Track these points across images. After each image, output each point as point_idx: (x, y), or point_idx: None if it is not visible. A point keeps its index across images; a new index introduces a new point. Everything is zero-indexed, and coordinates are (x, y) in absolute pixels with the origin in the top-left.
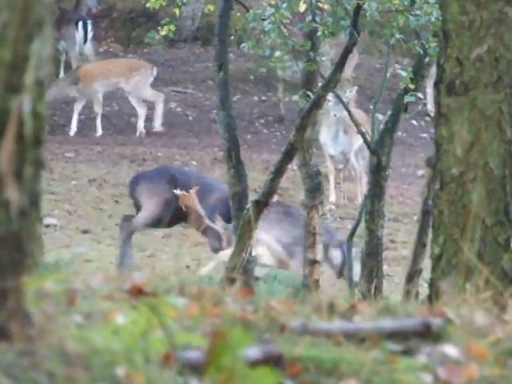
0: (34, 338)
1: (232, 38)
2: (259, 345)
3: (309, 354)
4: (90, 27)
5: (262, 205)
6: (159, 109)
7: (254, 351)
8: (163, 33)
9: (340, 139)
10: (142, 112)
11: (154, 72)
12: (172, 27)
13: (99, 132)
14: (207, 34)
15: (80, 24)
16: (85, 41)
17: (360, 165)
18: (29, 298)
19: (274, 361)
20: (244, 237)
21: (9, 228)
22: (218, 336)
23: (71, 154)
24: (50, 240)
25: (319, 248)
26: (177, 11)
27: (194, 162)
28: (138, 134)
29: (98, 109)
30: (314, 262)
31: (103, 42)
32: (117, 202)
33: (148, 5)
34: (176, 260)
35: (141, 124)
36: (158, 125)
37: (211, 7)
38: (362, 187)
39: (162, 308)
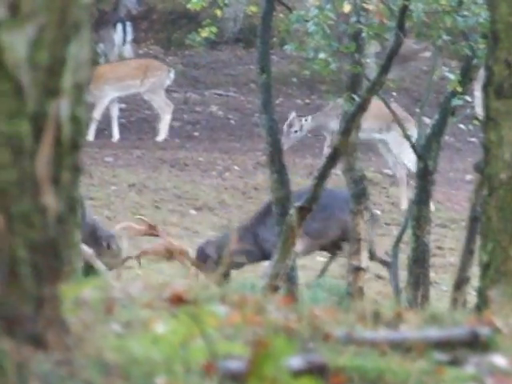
0: (71, 347)
1: (275, 39)
2: (303, 354)
3: (353, 363)
4: (129, 29)
5: (305, 210)
6: (166, 119)
7: (297, 361)
8: (204, 35)
9: None
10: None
11: (172, 75)
12: (213, 29)
13: (116, 137)
14: (249, 36)
15: (119, 26)
16: (124, 43)
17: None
18: (66, 306)
19: (317, 371)
20: (287, 243)
21: (46, 234)
22: (260, 345)
23: (110, 158)
24: None
25: (364, 255)
26: (218, 12)
27: (236, 167)
28: (160, 138)
29: (98, 115)
30: (358, 269)
31: (143, 44)
32: (157, 207)
33: (189, 6)
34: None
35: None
36: (161, 137)
37: (253, 8)
38: (405, 192)
39: (203, 317)
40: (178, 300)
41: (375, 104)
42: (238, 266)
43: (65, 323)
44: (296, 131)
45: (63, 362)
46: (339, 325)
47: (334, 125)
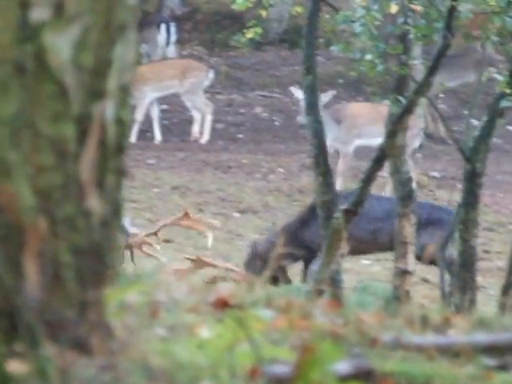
0: (115, 352)
1: (321, 40)
2: (349, 359)
3: (401, 368)
4: (173, 30)
5: (351, 213)
6: (208, 120)
7: (343, 366)
8: (249, 35)
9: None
10: (197, 116)
11: (211, 75)
12: (258, 30)
13: (158, 139)
14: (294, 37)
15: (163, 27)
16: (168, 44)
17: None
18: (110, 311)
19: (364, 376)
20: (333, 247)
21: (90, 238)
22: (306, 350)
23: (153, 160)
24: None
25: (411, 258)
26: (263, 13)
27: (281, 169)
28: (192, 139)
29: (139, 116)
30: (404, 273)
31: (187, 45)
32: (200, 210)
33: (234, 6)
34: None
35: (196, 129)
36: (204, 139)
37: (299, 9)
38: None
39: (248, 321)
40: (223, 304)
41: (372, 107)
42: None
43: (109, 328)
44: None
45: (107, 367)
46: (386, 329)
47: (333, 130)
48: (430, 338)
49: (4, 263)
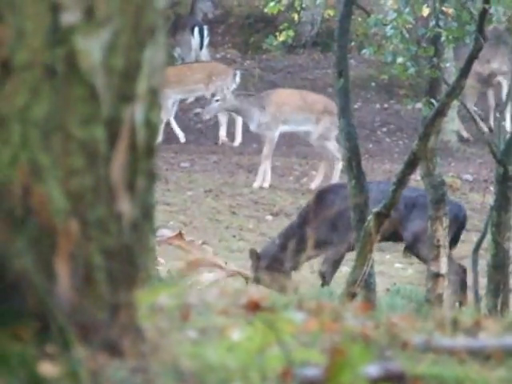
0: (146, 354)
1: (353, 43)
2: (380, 362)
3: (431, 371)
4: (206, 33)
5: (383, 216)
6: (238, 123)
7: (374, 368)
8: (282, 38)
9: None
10: (223, 120)
11: (237, 78)
12: (290, 33)
13: (181, 140)
14: (327, 40)
15: (196, 30)
16: (201, 47)
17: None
18: (142, 313)
19: (395, 378)
20: (365, 249)
21: (121, 240)
22: (337, 353)
23: (187, 163)
24: (165, 252)
25: (444, 261)
26: (295, 16)
27: (314, 172)
28: (220, 143)
29: (165, 115)
30: (437, 276)
31: (220, 48)
32: (234, 213)
33: (266, 10)
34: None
35: (222, 133)
36: (237, 142)
37: (331, 12)
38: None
39: (279, 324)
40: (254, 307)
41: (300, 95)
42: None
43: (140, 330)
44: (217, 100)
45: (138, 370)
46: (417, 332)
47: (256, 116)
48: (460, 341)
49: (36, 265)
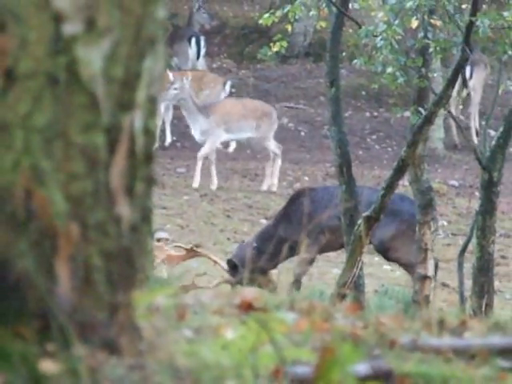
0: (143, 353)
1: (344, 54)
2: (369, 360)
3: (418, 370)
4: (202, 43)
5: (372, 220)
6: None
7: (363, 367)
8: (275, 49)
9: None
10: None
11: (227, 87)
12: (284, 43)
13: (168, 141)
14: (319, 50)
15: (193, 40)
16: (198, 57)
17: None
18: (139, 313)
19: (383, 377)
20: (355, 252)
21: (120, 243)
22: (327, 351)
23: (183, 169)
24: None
25: (431, 264)
26: (289, 27)
27: (306, 178)
28: (231, 149)
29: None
30: (424, 278)
31: (216, 58)
32: (228, 216)
33: (260, 21)
34: (287, 275)
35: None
36: (231, 148)
37: (323, 23)
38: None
39: (271, 323)
40: (247, 307)
41: (242, 104)
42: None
43: (138, 329)
44: (176, 89)
45: (136, 367)
46: (405, 332)
47: (199, 123)
48: (446, 341)
49: (37, 267)
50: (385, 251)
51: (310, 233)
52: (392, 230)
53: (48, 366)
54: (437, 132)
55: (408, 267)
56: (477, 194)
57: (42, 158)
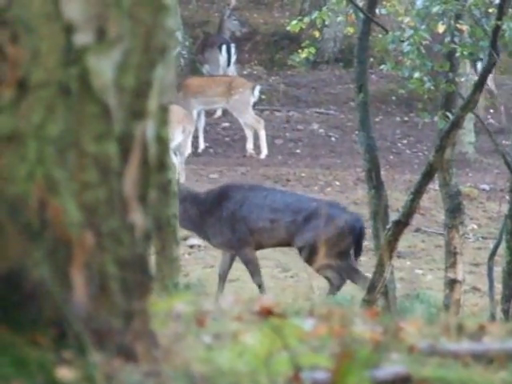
0: (159, 359)
1: (373, 59)
2: (387, 365)
3: (436, 374)
4: (233, 50)
5: (402, 225)
6: (262, 135)
7: (381, 372)
8: (304, 55)
9: None
10: (249, 133)
11: (256, 92)
12: (312, 50)
13: (201, 147)
14: (349, 56)
15: (223, 48)
16: (228, 64)
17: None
18: (158, 319)
19: (401, 381)
20: (385, 256)
21: (134, 251)
22: (345, 356)
23: (215, 175)
24: (195, 260)
25: (460, 268)
26: (317, 34)
27: (337, 182)
28: (248, 155)
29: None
30: (454, 282)
31: (246, 65)
32: None
33: (288, 28)
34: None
35: (249, 145)
36: (263, 154)
37: (351, 29)
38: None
39: (287, 329)
40: (267, 313)
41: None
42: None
43: (153, 336)
44: None
45: (151, 374)
46: (423, 337)
47: None
48: (465, 345)
49: (53, 275)
50: (306, 253)
51: (235, 232)
52: (315, 235)
53: (64, 373)
54: (467, 136)
55: (325, 274)
56: (507, 197)
57: (55, 168)
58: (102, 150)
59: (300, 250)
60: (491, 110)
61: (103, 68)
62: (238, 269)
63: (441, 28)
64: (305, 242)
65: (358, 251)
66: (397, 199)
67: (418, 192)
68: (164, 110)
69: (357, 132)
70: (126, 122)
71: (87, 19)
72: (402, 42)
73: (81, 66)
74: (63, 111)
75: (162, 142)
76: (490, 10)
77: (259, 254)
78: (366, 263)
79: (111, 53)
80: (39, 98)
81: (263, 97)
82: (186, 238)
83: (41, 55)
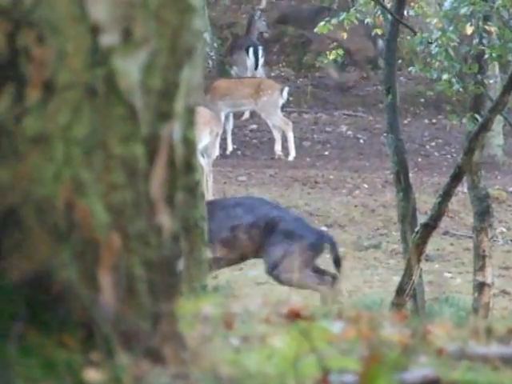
0: (187, 362)
1: (401, 61)
2: (415, 368)
3: (465, 378)
4: (260, 53)
5: (430, 228)
6: (290, 137)
7: (410, 375)
8: (331, 57)
9: None
10: (278, 136)
11: (285, 94)
12: (340, 51)
13: (229, 149)
14: (377, 58)
15: (251, 50)
16: (256, 67)
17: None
18: (186, 322)
19: None
20: (413, 259)
21: (161, 253)
22: (373, 359)
23: (244, 177)
24: None
25: (489, 271)
26: (344, 35)
27: (365, 185)
28: (276, 157)
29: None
30: (483, 285)
31: (275, 67)
32: None
33: (316, 30)
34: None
35: (278, 147)
36: (291, 156)
37: (379, 31)
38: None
39: (314, 332)
40: (294, 316)
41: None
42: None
43: (181, 338)
44: None
45: (179, 376)
46: (452, 340)
47: None
48: (494, 349)
49: (80, 277)
50: (274, 270)
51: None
52: (282, 251)
53: (92, 375)
54: (496, 139)
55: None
56: None
57: (82, 169)
58: (128, 151)
59: (267, 266)
60: None
61: (129, 69)
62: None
63: (469, 29)
64: (272, 260)
65: (338, 263)
66: (425, 202)
67: (447, 195)
68: (191, 112)
69: (385, 134)
70: (152, 124)
71: (113, 20)
72: (430, 43)
73: (107, 67)
74: (89, 113)
75: (189, 143)
76: None
77: None
78: (395, 266)
79: (137, 54)
80: (66, 100)
81: (291, 99)
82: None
83: (67, 56)
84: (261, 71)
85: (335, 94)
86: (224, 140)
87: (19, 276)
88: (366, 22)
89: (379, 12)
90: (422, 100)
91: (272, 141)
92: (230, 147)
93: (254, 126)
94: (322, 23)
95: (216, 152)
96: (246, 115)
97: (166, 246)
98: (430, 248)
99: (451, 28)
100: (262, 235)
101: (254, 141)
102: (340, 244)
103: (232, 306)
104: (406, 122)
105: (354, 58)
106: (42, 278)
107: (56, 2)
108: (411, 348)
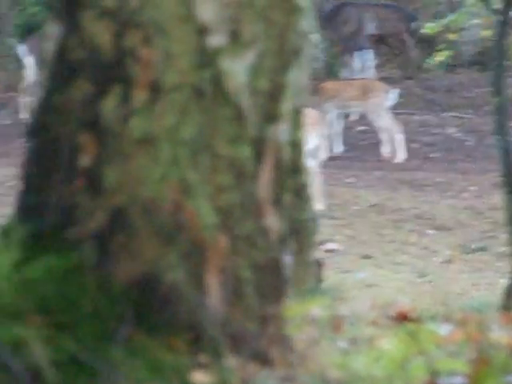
0: (294, 364)
1: (510, 62)
2: None
3: None
4: (369, 55)
5: None
6: (398, 139)
7: None
8: (440, 58)
9: None
10: (385, 138)
11: (392, 95)
12: (449, 53)
13: (340, 149)
14: (486, 59)
15: (359, 52)
16: (364, 69)
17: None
18: (293, 324)
19: None
20: None
21: (268, 255)
22: (481, 362)
23: (352, 179)
24: (332, 265)
25: None
26: (451, 36)
27: (473, 188)
28: (383, 159)
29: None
30: None
31: (383, 68)
32: (397, 227)
33: (424, 31)
34: (455, 285)
35: (385, 149)
36: (399, 158)
37: (485, 32)
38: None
39: (423, 334)
40: (403, 318)
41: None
42: None
43: (289, 340)
44: None
45: (287, 379)
46: None
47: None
48: None
49: (187, 279)
50: None
51: None
52: None
53: (200, 378)
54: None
55: None
56: None
57: (189, 171)
58: (235, 152)
59: None
60: None
61: (237, 70)
62: (376, 274)
63: None
64: None
65: None
66: None
67: None
68: (298, 113)
69: (493, 136)
70: (259, 125)
71: (221, 21)
72: None
73: (214, 68)
74: (197, 114)
75: (296, 145)
76: None
77: (397, 258)
78: (503, 269)
79: (245, 55)
80: (172, 101)
81: (402, 100)
82: (323, 243)
83: (173, 57)
84: (370, 73)
85: (443, 95)
86: (332, 142)
87: (126, 278)
88: (474, 22)
89: (488, 12)
90: None
91: (380, 142)
92: (338, 149)
93: (362, 128)
94: (432, 24)
95: (324, 154)
96: (354, 117)
97: (273, 247)
98: None
99: None
100: None
101: (362, 142)
102: (447, 247)
103: (340, 308)
104: None
105: (462, 59)
106: (148, 280)
107: (162, 2)
108: None
